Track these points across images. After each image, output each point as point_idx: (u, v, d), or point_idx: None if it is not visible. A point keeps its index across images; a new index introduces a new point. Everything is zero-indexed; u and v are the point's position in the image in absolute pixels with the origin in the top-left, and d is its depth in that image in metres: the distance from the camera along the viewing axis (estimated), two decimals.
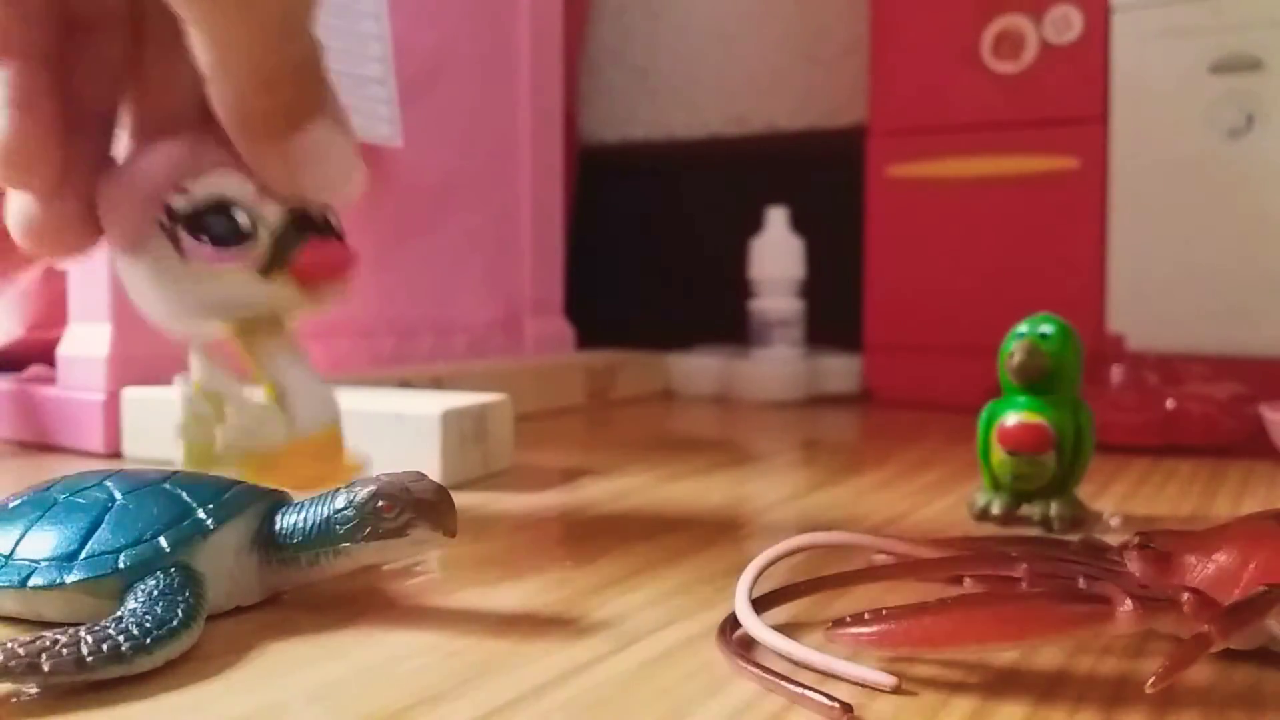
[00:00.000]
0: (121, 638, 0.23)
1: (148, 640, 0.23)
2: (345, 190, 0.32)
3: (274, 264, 0.32)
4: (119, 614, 0.24)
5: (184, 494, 0.28)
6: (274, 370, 0.34)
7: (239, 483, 0.29)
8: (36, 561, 0.26)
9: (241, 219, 0.31)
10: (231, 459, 0.34)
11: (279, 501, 0.28)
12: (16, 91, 0.30)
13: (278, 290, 0.32)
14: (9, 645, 0.22)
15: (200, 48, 0.28)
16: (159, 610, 0.24)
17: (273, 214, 0.32)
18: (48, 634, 0.23)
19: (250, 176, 0.31)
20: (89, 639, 0.22)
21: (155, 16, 0.31)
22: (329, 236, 0.33)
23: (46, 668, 0.22)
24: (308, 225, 0.32)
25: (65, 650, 0.22)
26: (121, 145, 0.34)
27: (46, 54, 0.31)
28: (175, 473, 0.29)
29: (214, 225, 0.31)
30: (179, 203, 0.31)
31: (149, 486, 0.28)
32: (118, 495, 0.28)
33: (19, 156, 0.30)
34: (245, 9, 0.28)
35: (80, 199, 0.31)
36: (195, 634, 0.24)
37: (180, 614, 0.24)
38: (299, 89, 0.30)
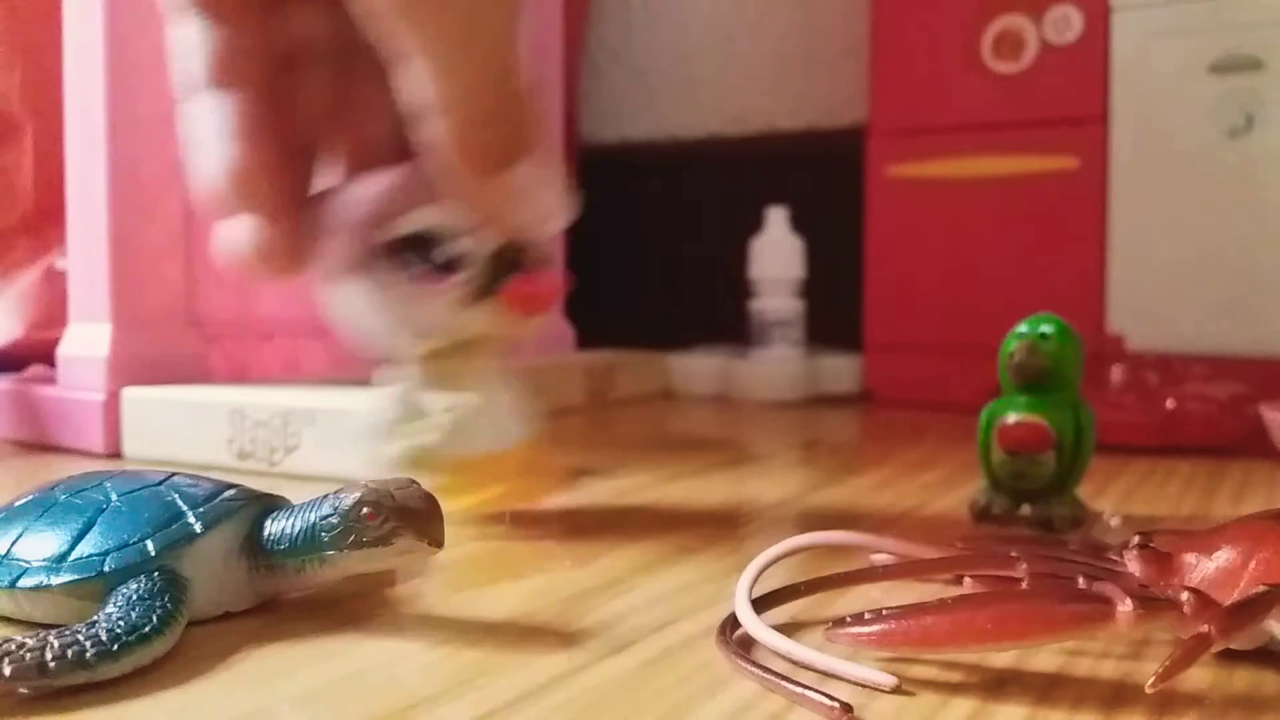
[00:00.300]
0: (89, 644, 0.22)
1: (115, 647, 0.23)
2: (552, 224, 0.34)
3: (484, 293, 0.33)
4: (94, 618, 0.24)
5: (176, 497, 0.27)
6: (477, 386, 0.36)
7: (233, 486, 0.28)
8: (29, 562, 0.26)
9: (452, 248, 0.33)
10: (435, 463, 0.36)
11: (271, 506, 0.28)
12: (239, 121, 0.32)
13: (486, 316, 0.34)
14: None
15: (421, 81, 0.29)
16: (134, 615, 0.24)
17: (483, 245, 0.33)
18: (16, 637, 0.22)
19: (461, 208, 0.33)
20: (55, 644, 0.22)
21: (362, 54, 0.32)
22: (536, 267, 0.34)
23: (7, 672, 0.21)
24: (515, 256, 0.33)
25: (29, 655, 0.22)
26: (325, 178, 0.35)
27: (264, 87, 0.32)
28: (173, 474, 0.29)
29: (426, 253, 0.33)
30: (394, 231, 0.33)
31: (145, 489, 0.28)
32: (113, 497, 0.27)
33: (242, 184, 0.32)
34: (471, 41, 0.29)
35: (294, 225, 0.33)
36: (170, 640, 0.24)
37: (154, 620, 0.24)
38: (516, 124, 0.31)
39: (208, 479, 0.29)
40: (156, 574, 0.25)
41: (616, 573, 0.32)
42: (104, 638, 0.23)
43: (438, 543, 0.26)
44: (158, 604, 0.24)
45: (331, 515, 0.26)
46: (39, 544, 0.26)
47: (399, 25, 0.28)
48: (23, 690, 0.22)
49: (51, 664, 0.22)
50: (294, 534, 0.27)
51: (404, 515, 0.26)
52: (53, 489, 0.29)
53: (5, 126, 0.63)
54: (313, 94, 0.34)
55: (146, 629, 0.23)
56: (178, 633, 0.24)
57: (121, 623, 0.23)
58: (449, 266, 0.33)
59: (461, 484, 0.36)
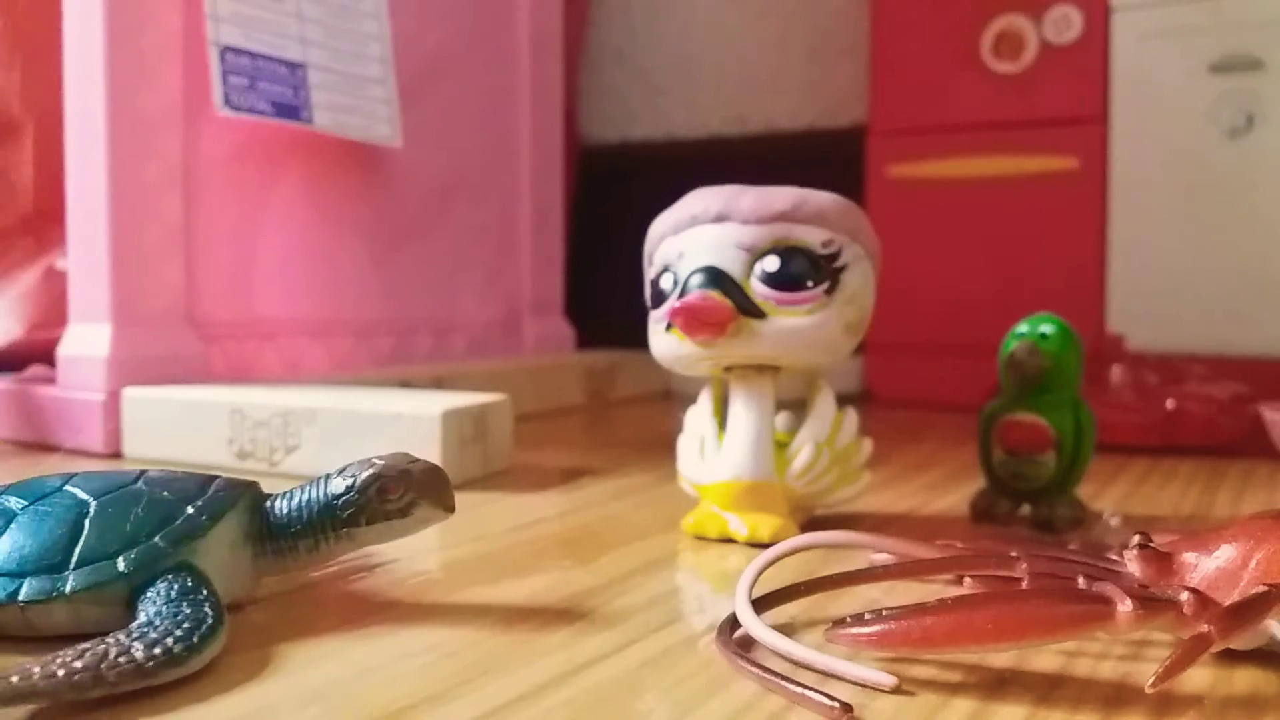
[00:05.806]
0: (169, 640, 0.23)
1: (195, 639, 0.23)
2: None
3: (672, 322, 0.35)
4: (147, 619, 0.23)
5: (164, 493, 0.27)
6: (729, 414, 0.37)
7: (216, 478, 0.28)
8: (20, 573, 0.25)
9: (666, 284, 0.36)
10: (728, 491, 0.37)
11: (260, 493, 0.28)
12: None
13: (674, 342, 0.36)
14: (58, 662, 0.21)
15: None
16: (187, 610, 0.24)
17: (687, 270, 0.35)
18: (72, 649, 0.22)
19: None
20: (139, 646, 0.22)
21: None
22: (710, 292, 0.34)
23: (111, 678, 0.21)
24: (710, 280, 0.34)
25: (122, 659, 0.22)
26: None
27: None
28: (143, 472, 0.28)
29: (656, 286, 0.36)
30: (649, 271, 0.37)
31: (121, 489, 0.27)
32: (89, 499, 0.27)
33: None
34: None
35: None
36: (225, 630, 0.24)
37: (210, 611, 0.24)
38: None
39: (183, 472, 0.28)
40: (179, 569, 0.25)
41: (616, 573, 0.32)
42: (180, 633, 0.23)
43: (451, 508, 0.28)
44: (200, 597, 0.25)
45: (349, 492, 0.27)
46: (20, 554, 0.25)
47: None
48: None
49: (148, 664, 0.22)
50: (307, 513, 0.27)
51: (421, 486, 0.27)
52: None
53: (5, 126, 0.63)
54: None
55: (211, 620, 0.24)
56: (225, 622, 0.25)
57: (185, 619, 0.23)
58: (660, 299, 0.36)
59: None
